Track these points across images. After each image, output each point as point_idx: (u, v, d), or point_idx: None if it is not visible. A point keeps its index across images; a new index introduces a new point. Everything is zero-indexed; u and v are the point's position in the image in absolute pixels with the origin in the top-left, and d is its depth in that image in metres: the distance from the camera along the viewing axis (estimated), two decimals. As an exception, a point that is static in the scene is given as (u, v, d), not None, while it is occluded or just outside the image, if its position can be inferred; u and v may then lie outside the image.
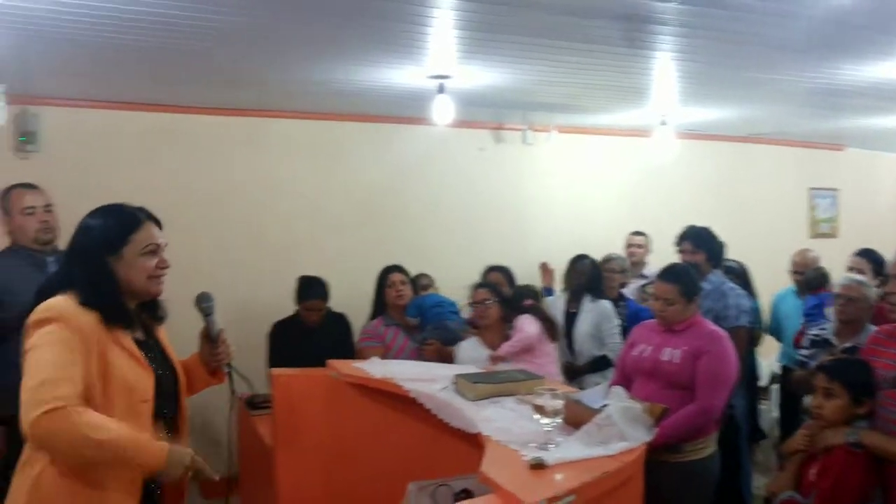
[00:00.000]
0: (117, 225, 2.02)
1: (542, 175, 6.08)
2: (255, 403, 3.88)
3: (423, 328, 4.12)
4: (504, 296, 3.85)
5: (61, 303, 1.89)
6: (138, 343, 2.01)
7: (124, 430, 1.80)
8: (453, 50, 3.63)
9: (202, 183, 5.02)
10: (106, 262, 1.98)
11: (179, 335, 4.93)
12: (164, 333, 2.18)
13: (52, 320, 1.85)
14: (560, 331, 3.83)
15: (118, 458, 1.80)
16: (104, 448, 1.76)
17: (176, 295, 5.12)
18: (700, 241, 3.97)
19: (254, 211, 5.17)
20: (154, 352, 2.09)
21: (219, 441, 4.97)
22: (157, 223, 2.13)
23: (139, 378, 1.97)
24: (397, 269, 4.30)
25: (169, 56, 3.59)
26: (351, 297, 4.63)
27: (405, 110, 5.04)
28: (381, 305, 4.25)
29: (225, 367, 2.31)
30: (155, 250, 2.06)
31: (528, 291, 3.82)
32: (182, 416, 2.14)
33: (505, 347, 3.61)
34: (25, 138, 4.52)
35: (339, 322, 4.37)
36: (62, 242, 3.29)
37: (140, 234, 2.04)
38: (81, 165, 4.65)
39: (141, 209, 2.12)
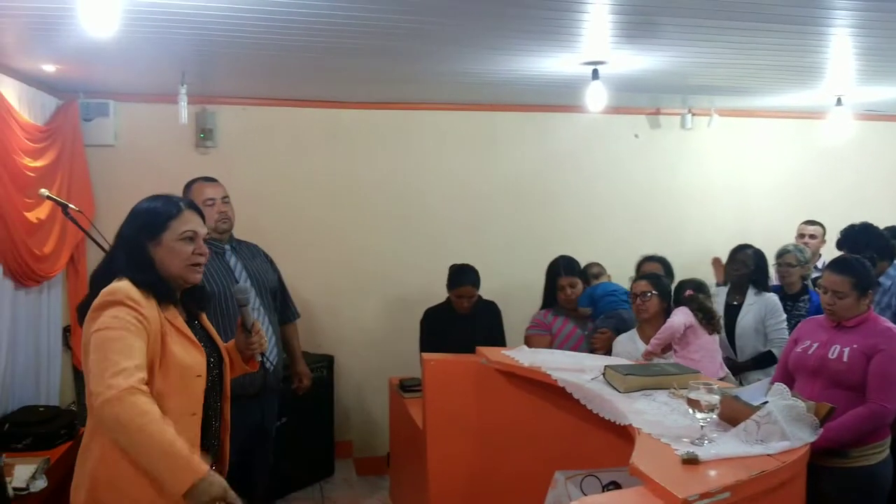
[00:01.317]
0: (158, 212, 2.13)
1: (701, 161, 5.82)
2: (407, 386, 4.01)
3: (596, 318, 4.05)
4: (667, 288, 3.70)
5: (124, 286, 2.00)
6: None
7: (178, 440, 1.86)
8: (608, 35, 3.54)
9: (361, 174, 5.25)
10: (146, 246, 2.09)
11: (338, 319, 5.18)
12: (206, 320, 2.29)
13: (118, 303, 1.96)
14: (720, 323, 3.64)
15: (154, 457, 1.84)
16: (150, 444, 1.84)
17: (339, 279, 5.40)
18: (858, 246, 3.61)
19: (409, 200, 5.33)
20: (200, 335, 2.18)
21: (375, 420, 5.22)
22: (200, 213, 2.22)
23: (192, 356, 2.08)
24: (567, 271, 4.11)
25: (333, 55, 3.77)
26: (502, 286, 4.67)
27: (558, 98, 4.99)
28: (551, 299, 4.16)
29: (257, 357, 2.39)
30: (192, 237, 2.14)
31: (691, 283, 3.66)
32: (225, 395, 2.27)
33: (651, 343, 3.47)
34: (204, 135, 4.94)
35: (490, 309, 4.41)
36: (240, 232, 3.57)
37: (178, 220, 2.12)
38: (253, 159, 5.01)
39: (183, 199, 2.22)
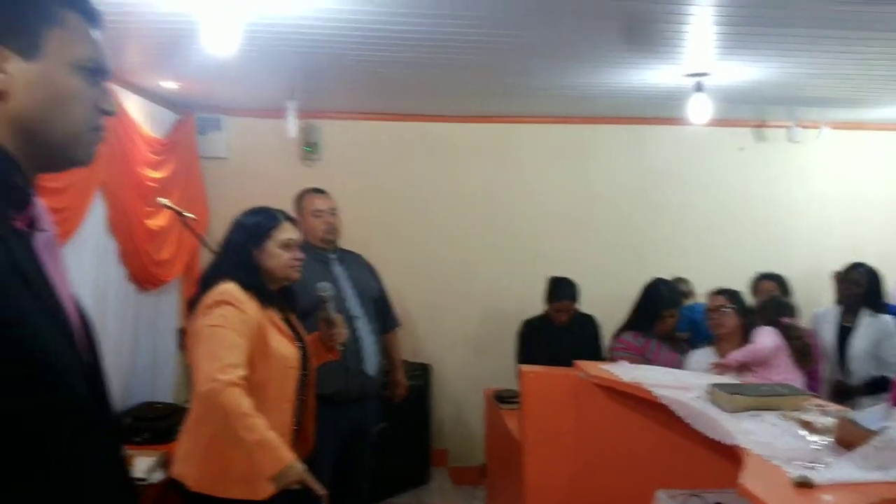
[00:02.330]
0: (261, 223, 2.41)
1: (809, 175, 5.60)
2: (504, 398, 4.02)
3: (696, 342, 3.93)
4: (744, 304, 3.57)
5: (232, 288, 2.28)
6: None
7: (269, 430, 2.14)
8: (712, 47, 3.48)
9: (460, 186, 5.33)
10: (252, 253, 2.36)
11: (436, 329, 5.22)
12: (294, 318, 2.55)
13: (227, 303, 2.24)
14: (816, 359, 3.46)
15: (249, 443, 2.11)
16: (248, 432, 2.10)
17: (438, 290, 5.44)
18: None
19: (506, 213, 5.37)
20: (292, 330, 2.45)
21: (470, 430, 5.25)
22: (293, 222, 2.52)
23: (288, 350, 2.35)
24: (672, 303, 3.92)
25: (435, 70, 3.86)
26: (598, 300, 4.62)
27: (658, 111, 4.92)
28: (645, 324, 3.93)
29: (339, 346, 2.65)
30: (290, 244, 2.43)
31: (786, 308, 3.48)
32: (310, 384, 2.52)
33: (731, 355, 3.35)
34: (310, 148, 5.13)
35: (588, 323, 4.37)
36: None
37: (279, 230, 2.42)
38: (355, 171, 5.17)
39: (280, 211, 2.50)
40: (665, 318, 3.91)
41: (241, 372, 2.17)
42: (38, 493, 0.89)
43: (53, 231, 1.04)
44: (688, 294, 4.50)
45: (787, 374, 3.29)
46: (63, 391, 0.94)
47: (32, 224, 0.99)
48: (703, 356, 3.59)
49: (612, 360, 3.95)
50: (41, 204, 1.02)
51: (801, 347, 3.35)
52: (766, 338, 3.34)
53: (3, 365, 0.86)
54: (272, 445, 2.14)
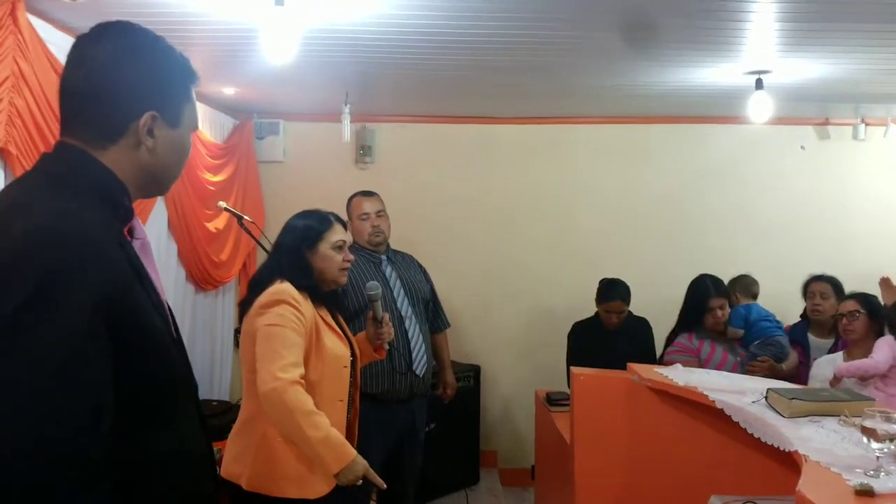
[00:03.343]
0: (313, 225, 2.45)
1: (875, 174, 5.40)
2: (554, 400, 4.00)
3: (748, 342, 3.83)
4: (877, 308, 3.44)
5: (287, 288, 2.31)
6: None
7: (332, 428, 2.19)
8: (774, 44, 3.40)
9: (512, 188, 5.32)
10: (305, 254, 2.41)
11: (486, 330, 5.21)
12: (341, 319, 2.59)
13: (284, 302, 2.27)
14: None
15: (313, 441, 2.16)
16: (312, 430, 2.15)
17: (489, 291, 5.41)
18: None
19: (560, 214, 5.34)
20: (341, 329, 2.49)
21: (520, 431, 5.24)
22: (344, 225, 2.57)
23: (341, 348, 2.39)
24: (717, 291, 3.80)
25: (488, 72, 3.86)
26: (652, 302, 4.55)
27: (717, 109, 4.82)
28: (694, 322, 3.83)
29: (386, 345, 2.70)
30: (342, 246, 2.48)
31: None
32: (356, 384, 2.54)
33: (841, 368, 3.25)
34: (363, 151, 5.20)
35: (641, 326, 4.31)
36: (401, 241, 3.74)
37: (331, 232, 2.46)
38: (408, 173, 5.21)
39: (331, 213, 2.54)
40: (713, 309, 3.75)
41: (301, 371, 2.21)
42: (154, 442, 1.19)
43: (147, 238, 1.31)
44: (755, 294, 4.36)
45: None
46: (169, 366, 1.23)
47: (132, 233, 1.26)
48: (828, 363, 3.48)
49: (667, 363, 3.88)
50: (136, 216, 1.29)
51: None
52: (880, 353, 3.20)
53: (130, 343, 1.11)
54: (338, 442, 2.19)
